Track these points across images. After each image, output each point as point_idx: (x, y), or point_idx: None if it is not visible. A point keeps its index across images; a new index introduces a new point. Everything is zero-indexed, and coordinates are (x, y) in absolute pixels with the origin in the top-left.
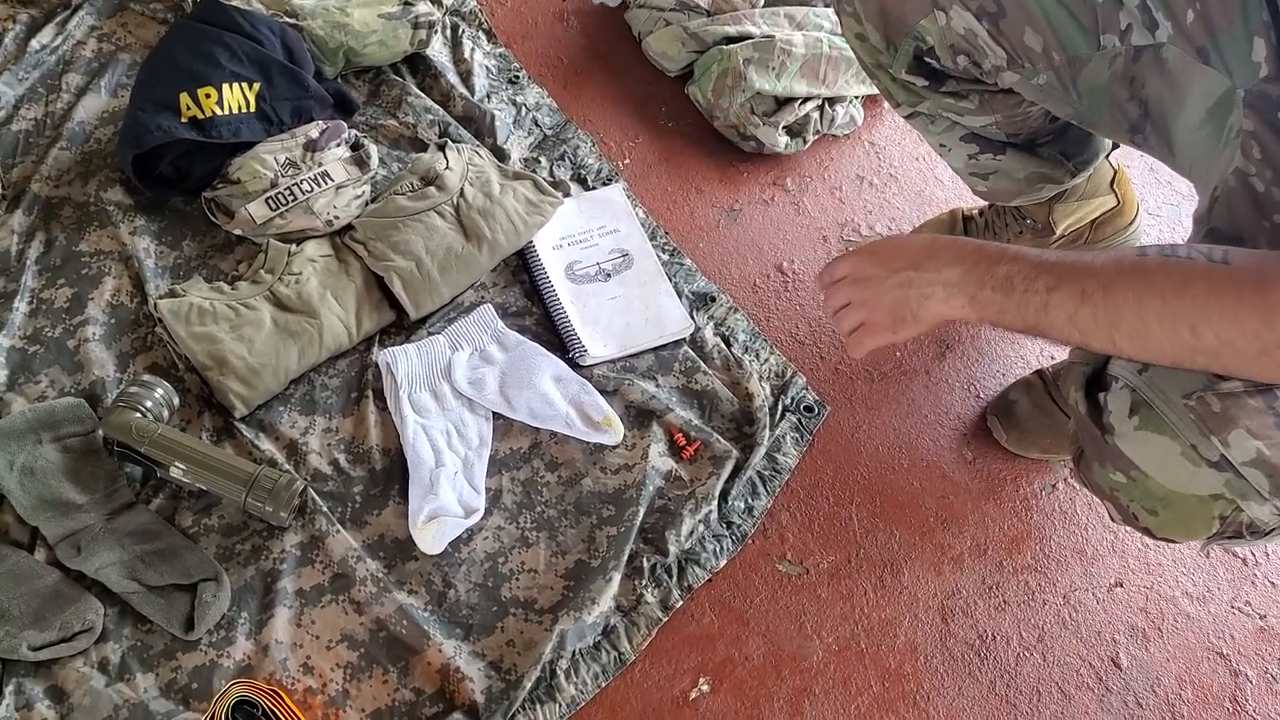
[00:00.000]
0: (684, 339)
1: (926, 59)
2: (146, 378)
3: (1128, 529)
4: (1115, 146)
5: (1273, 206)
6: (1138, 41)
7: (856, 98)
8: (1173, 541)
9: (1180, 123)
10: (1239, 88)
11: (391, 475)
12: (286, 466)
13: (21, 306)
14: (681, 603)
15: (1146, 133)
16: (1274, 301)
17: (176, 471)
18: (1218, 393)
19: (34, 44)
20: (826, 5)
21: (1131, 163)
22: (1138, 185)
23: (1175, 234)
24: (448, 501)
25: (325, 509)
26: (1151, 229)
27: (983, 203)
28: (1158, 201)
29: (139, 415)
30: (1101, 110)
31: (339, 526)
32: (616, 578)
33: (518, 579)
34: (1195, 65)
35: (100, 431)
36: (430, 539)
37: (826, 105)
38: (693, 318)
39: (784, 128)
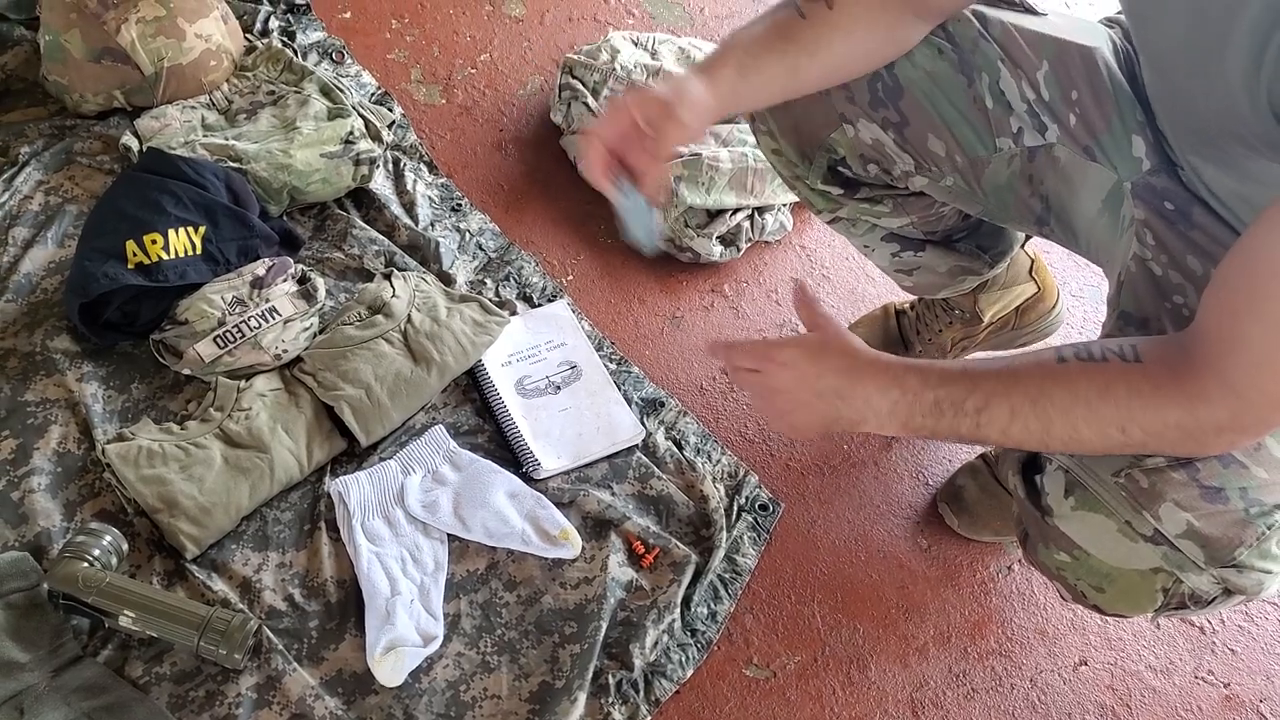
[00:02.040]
0: (636, 445)
1: (840, 169)
2: (94, 525)
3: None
4: (1029, 237)
5: (1171, 288)
6: (1030, 143)
7: (785, 205)
8: (1122, 616)
9: (1079, 214)
10: (1125, 180)
11: (347, 607)
12: (240, 606)
13: None
14: (650, 718)
15: (1051, 225)
16: (1190, 391)
17: (126, 620)
18: (1144, 469)
19: None
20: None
21: (1052, 248)
22: (1059, 270)
23: (1099, 314)
24: (405, 631)
25: (281, 647)
26: (1075, 310)
27: (912, 297)
28: (1080, 284)
29: (86, 565)
30: (1008, 207)
31: (295, 664)
32: (582, 698)
33: (481, 706)
34: (1084, 162)
35: (45, 585)
36: (389, 671)
37: (756, 214)
38: (643, 424)
39: (718, 238)
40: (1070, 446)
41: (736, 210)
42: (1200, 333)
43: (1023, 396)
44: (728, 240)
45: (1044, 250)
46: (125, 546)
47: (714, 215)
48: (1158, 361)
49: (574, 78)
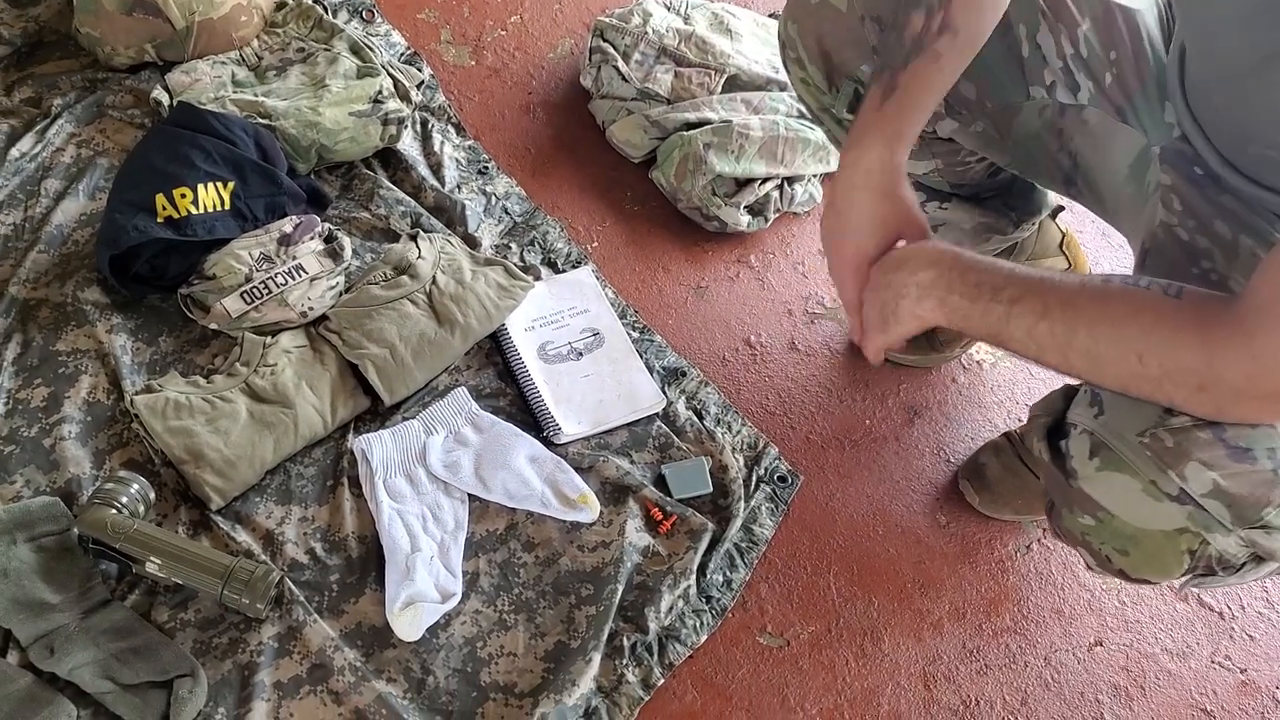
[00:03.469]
0: (657, 414)
1: None
2: (122, 474)
3: (1103, 586)
4: (1060, 209)
5: (1199, 254)
6: (1062, 99)
7: (814, 176)
8: (1149, 583)
9: (1106, 177)
10: (1154, 145)
11: (368, 562)
12: (263, 557)
13: None
14: (663, 681)
15: (1079, 184)
16: (1211, 340)
17: (152, 566)
18: (1169, 428)
19: (14, 152)
20: (782, 90)
21: (1084, 227)
22: (1091, 249)
23: None
24: (424, 587)
25: (302, 599)
26: None
27: None
28: (1111, 265)
29: (114, 511)
30: (1036, 160)
31: (316, 616)
32: (597, 658)
33: (497, 663)
34: (1115, 124)
35: (75, 529)
36: (407, 625)
37: (785, 185)
38: (664, 393)
39: (745, 207)
40: (1087, 364)
41: (765, 180)
42: (1244, 297)
43: (1057, 298)
44: (756, 210)
45: (1076, 230)
46: (152, 495)
47: (742, 184)
48: (1194, 305)
49: (605, 41)
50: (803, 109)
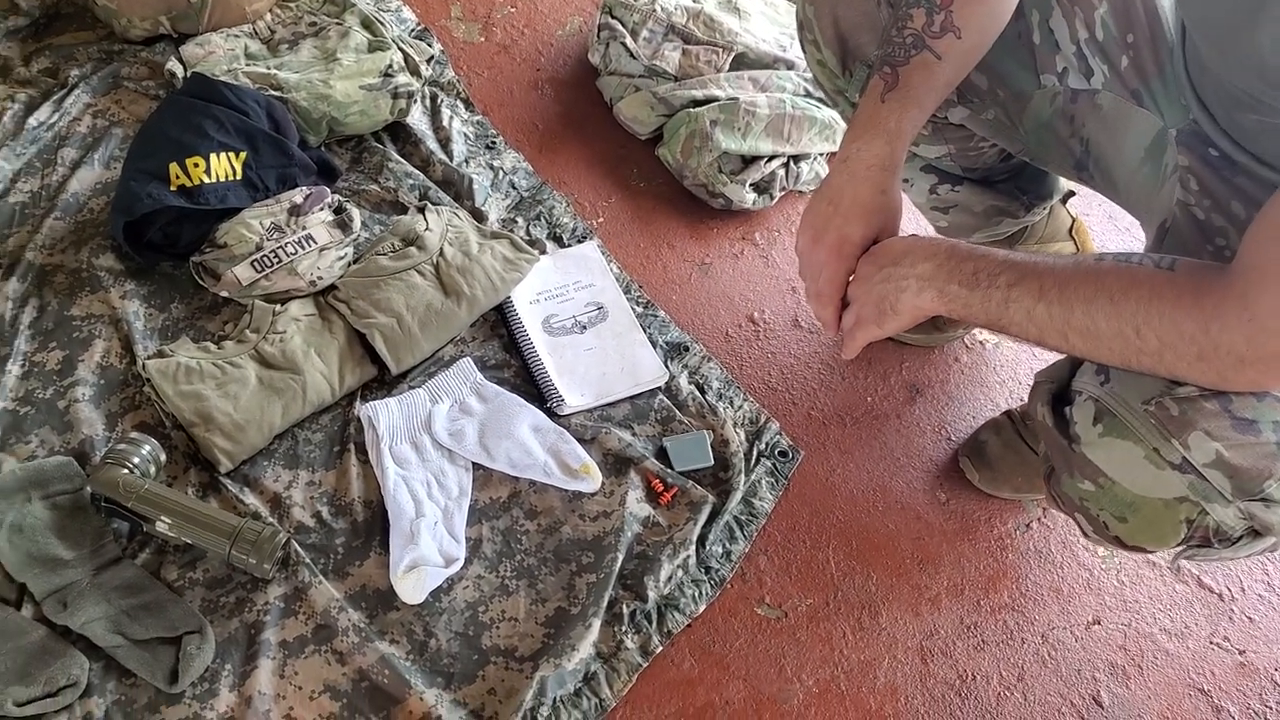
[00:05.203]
0: (659, 388)
1: None
2: (134, 435)
3: (1102, 565)
4: (1071, 194)
5: (1214, 231)
6: (1074, 85)
7: (820, 154)
8: (1144, 551)
9: (1120, 163)
10: (1170, 128)
11: (373, 526)
12: (270, 519)
13: (14, 370)
14: (661, 648)
15: (1090, 170)
16: (1207, 308)
17: (162, 526)
18: (1175, 397)
19: (31, 121)
20: (789, 68)
21: (1090, 210)
22: (1097, 232)
23: None
24: (428, 551)
25: (308, 561)
26: None
27: None
28: (1117, 248)
29: (126, 471)
30: (1047, 146)
31: (321, 578)
32: (596, 624)
33: (498, 627)
34: (1130, 108)
35: (88, 488)
36: (411, 589)
37: (791, 163)
38: (667, 367)
39: (751, 185)
40: (1087, 343)
41: (772, 157)
42: (1236, 262)
43: (1053, 280)
44: (761, 188)
45: (1083, 213)
46: (163, 457)
47: (748, 162)
48: (1189, 275)
49: (613, 18)
50: (810, 87)
